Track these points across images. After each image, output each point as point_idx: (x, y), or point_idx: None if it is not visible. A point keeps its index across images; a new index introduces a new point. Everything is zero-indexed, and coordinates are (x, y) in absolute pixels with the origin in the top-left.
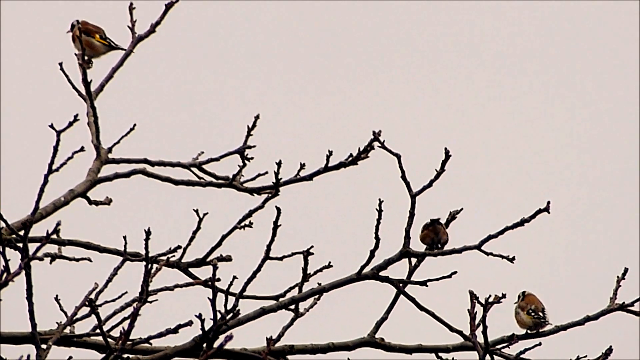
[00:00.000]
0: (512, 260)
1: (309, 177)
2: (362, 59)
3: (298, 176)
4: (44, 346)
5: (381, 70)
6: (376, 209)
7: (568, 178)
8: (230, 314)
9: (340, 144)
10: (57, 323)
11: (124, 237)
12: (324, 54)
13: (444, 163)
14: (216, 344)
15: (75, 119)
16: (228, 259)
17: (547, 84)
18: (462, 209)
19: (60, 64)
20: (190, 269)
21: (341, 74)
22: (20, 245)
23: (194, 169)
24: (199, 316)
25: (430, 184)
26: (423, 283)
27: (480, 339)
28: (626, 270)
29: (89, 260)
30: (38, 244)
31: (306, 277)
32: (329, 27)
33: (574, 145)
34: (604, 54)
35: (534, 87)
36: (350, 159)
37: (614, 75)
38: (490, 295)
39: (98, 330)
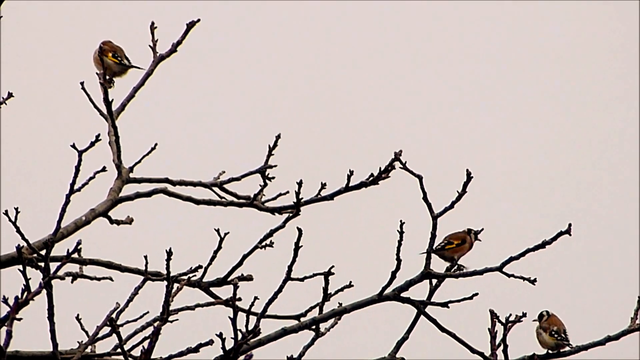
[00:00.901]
0: (533, 282)
1: (330, 197)
2: (385, 79)
3: (319, 196)
4: None
5: (403, 89)
6: (397, 230)
7: (589, 199)
8: (252, 334)
9: (361, 164)
10: (78, 342)
11: (145, 257)
12: (346, 73)
13: (465, 184)
14: None
15: (97, 138)
16: (249, 278)
17: (570, 103)
18: (482, 229)
19: (82, 84)
20: (211, 289)
21: (363, 93)
22: (42, 264)
23: (215, 189)
24: (220, 335)
25: (452, 206)
26: (444, 304)
27: (500, 358)
28: None
29: (110, 279)
30: (59, 263)
31: (327, 297)
32: (350, 44)
33: (596, 166)
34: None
35: (556, 107)
36: (371, 178)
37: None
38: (510, 315)
39: (119, 350)
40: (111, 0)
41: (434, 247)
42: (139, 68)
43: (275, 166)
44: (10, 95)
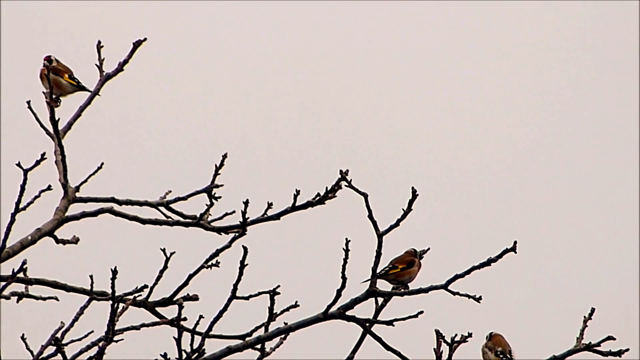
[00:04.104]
0: (478, 300)
1: (276, 217)
2: (331, 98)
3: (265, 215)
4: None
5: (349, 108)
6: (343, 249)
7: (535, 216)
8: (196, 354)
9: (307, 183)
10: None
11: (91, 276)
12: (294, 93)
13: (410, 202)
14: None
15: (43, 157)
16: (195, 298)
17: (519, 118)
18: (429, 249)
19: (28, 102)
20: (156, 308)
21: (310, 111)
22: None
23: (162, 208)
24: (165, 356)
25: (397, 224)
26: (390, 322)
27: None
28: (593, 310)
29: (56, 299)
30: (4, 283)
31: (272, 316)
32: (289, 55)
33: (540, 184)
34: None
35: (502, 122)
36: (318, 198)
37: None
38: (456, 335)
39: None
40: (57, 16)
41: (377, 271)
42: (91, 91)
43: (221, 185)
44: None
